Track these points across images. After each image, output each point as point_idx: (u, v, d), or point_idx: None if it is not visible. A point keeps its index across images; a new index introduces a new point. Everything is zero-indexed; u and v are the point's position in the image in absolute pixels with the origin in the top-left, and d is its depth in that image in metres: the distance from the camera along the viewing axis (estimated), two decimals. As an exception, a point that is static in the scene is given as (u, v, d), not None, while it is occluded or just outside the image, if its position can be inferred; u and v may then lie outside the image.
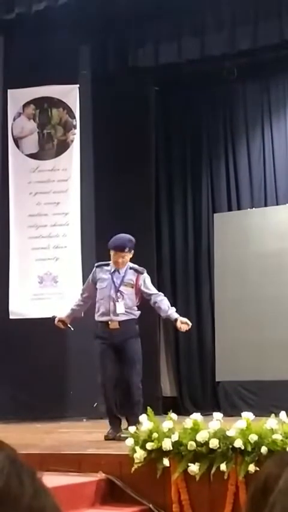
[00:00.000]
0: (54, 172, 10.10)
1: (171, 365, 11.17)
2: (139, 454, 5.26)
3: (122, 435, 6.63)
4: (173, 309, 7.43)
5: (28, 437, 7.36)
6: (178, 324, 7.33)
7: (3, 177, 9.95)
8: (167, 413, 5.68)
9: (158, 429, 5.30)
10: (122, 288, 7.34)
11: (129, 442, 5.35)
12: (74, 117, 10.12)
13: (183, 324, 7.33)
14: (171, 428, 5.30)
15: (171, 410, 5.54)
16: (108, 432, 6.98)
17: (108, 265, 7.48)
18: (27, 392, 9.49)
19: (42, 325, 9.51)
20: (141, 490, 5.29)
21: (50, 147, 10.20)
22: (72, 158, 10.05)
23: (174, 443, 5.20)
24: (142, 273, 7.42)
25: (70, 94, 10.15)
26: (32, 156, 10.19)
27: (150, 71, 10.60)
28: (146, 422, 5.37)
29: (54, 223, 9.99)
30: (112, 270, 7.41)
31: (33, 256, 9.98)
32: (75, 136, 10.09)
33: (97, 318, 7.44)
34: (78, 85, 10.11)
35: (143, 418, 5.50)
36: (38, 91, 10.19)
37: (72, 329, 7.79)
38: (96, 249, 9.92)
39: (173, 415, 5.43)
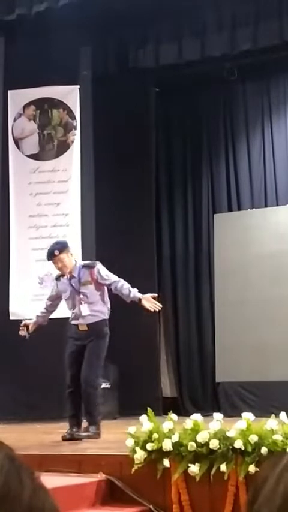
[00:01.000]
0: (54, 173, 10.10)
1: (171, 366, 11.18)
2: (139, 455, 5.26)
3: (81, 434, 6.97)
4: (135, 290, 7.40)
5: (28, 437, 7.36)
6: (145, 304, 7.35)
7: (3, 177, 9.95)
8: (167, 414, 5.68)
9: (158, 430, 5.30)
10: (82, 289, 7.42)
11: (130, 442, 5.35)
12: (75, 118, 10.13)
13: (150, 302, 7.35)
14: (171, 429, 5.30)
15: (171, 411, 5.54)
16: (65, 432, 7.12)
17: (63, 275, 7.57)
18: (27, 393, 9.49)
19: (42, 326, 9.52)
20: (142, 491, 5.29)
21: (50, 147, 10.21)
22: (73, 159, 10.05)
23: (174, 444, 5.20)
24: (94, 266, 7.49)
25: (70, 95, 10.15)
26: (32, 156, 10.20)
27: (151, 71, 10.61)
28: (146, 423, 5.37)
29: (55, 224, 9.99)
30: (68, 277, 7.50)
31: (34, 256, 9.97)
32: (76, 137, 10.09)
33: (70, 321, 7.58)
34: (78, 86, 10.12)
35: (142, 418, 5.50)
36: (39, 92, 10.19)
37: (27, 338, 7.79)
38: (96, 250, 9.92)
39: (173, 416, 5.43)
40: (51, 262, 7.54)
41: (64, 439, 7.00)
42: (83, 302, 7.40)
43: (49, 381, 9.61)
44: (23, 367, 9.54)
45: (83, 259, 9.69)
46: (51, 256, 7.45)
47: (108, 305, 7.56)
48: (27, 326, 7.75)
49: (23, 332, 7.78)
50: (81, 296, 7.40)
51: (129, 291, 7.39)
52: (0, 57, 9.78)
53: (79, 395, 7.36)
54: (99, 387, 7.52)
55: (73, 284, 7.45)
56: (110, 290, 7.50)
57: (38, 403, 9.46)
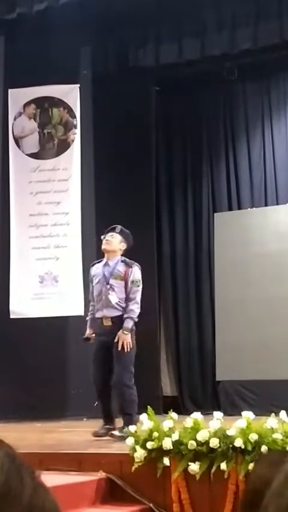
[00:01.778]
0: (54, 171, 10.10)
1: (171, 364, 11.18)
2: (139, 453, 5.27)
3: (115, 434, 6.72)
4: (128, 323, 7.25)
5: (28, 436, 7.37)
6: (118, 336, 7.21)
7: (3, 176, 9.96)
8: (167, 413, 5.69)
9: (158, 428, 5.31)
10: (111, 281, 7.33)
11: (130, 441, 5.36)
12: (75, 117, 10.13)
13: (121, 341, 7.19)
14: (171, 427, 5.31)
15: (171, 410, 5.55)
16: (99, 429, 7.03)
17: (100, 261, 7.55)
18: (27, 392, 9.50)
19: (42, 325, 9.54)
20: (142, 489, 5.30)
21: (50, 146, 10.21)
22: (73, 158, 10.05)
23: (174, 443, 5.21)
24: (131, 266, 7.40)
25: (71, 94, 10.15)
26: (32, 155, 10.20)
27: (151, 71, 10.61)
28: (146, 421, 5.38)
29: (55, 223, 10.00)
30: (104, 263, 7.47)
31: (34, 255, 9.98)
32: (76, 136, 10.10)
33: (95, 314, 7.45)
34: (79, 85, 10.12)
35: (142, 417, 5.51)
36: (39, 91, 10.20)
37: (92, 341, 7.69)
38: (96, 249, 9.92)
39: (174, 415, 5.44)
40: (104, 236, 7.45)
41: (96, 435, 6.90)
42: (110, 292, 7.27)
43: (49, 380, 9.62)
44: (23, 367, 9.54)
45: (83, 258, 9.74)
46: (112, 229, 7.45)
47: (136, 306, 7.35)
48: (89, 338, 7.59)
49: (90, 341, 7.61)
50: (109, 286, 7.30)
51: (125, 319, 7.28)
52: (0, 56, 9.78)
53: (108, 394, 7.27)
54: (134, 386, 7.27)
55: (105, 272, 7.37)
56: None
57: (38, 402, 9.47)
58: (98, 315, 7.40)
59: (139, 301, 7.34)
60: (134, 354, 7.35)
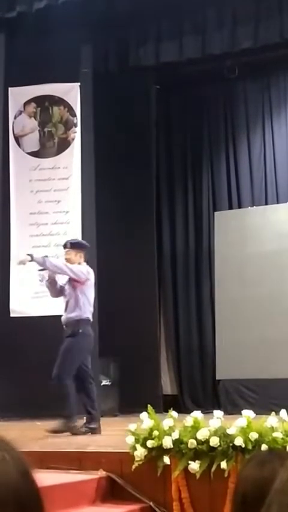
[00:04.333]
0: (55, 170, 10.10)
1: (171, 363, 11.19)
2: (140, 452, 5.27)
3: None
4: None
5: (29, 434, 7.37)
6: None
7: (4, 175, 9.95)
8: (167, 411, 5.68)
9: (158, 427, 5.31)
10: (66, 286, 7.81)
11: (130, 439, 5.36)
12: (75, 115, 10.12)
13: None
14: (171, 426, 5.30)
15: (171, 408, 5.55)
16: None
17: None
18: (27, 390, 9.48)
19: (42, 323, 9.52)
20: (142, 488, 5.30)
21: (50, 145, 10.21)
22: (73, 156, 10.04)
23: (174, 441, 5.21)
24: None
25: (71, 92, 10.14)
26: (32, 154, 10.20)
27: (151, 69, 10.62)
28: (146, 420, 5.37)
29: (55, 221, 10.00)
30: None
31: (34, 254, 9.96)
32: (76, 134, 10.09)
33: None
34: (79, 83, 10.11)
35: (142, 415, 5.50)
36: (39, 89, 10.19)
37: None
38: (97, 247, 9.92)
39: (174, 413, 5.44)
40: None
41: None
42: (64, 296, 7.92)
43: (50, 379, 9.61)
44: (23, 365, 9.54)
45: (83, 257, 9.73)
46: (64, 246, 7.95)
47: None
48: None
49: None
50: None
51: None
52: (0, 54, 9.77)
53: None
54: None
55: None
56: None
57: (38, 401, 9.45)
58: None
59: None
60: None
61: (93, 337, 7.87)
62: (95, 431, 7.41)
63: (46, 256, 7.85)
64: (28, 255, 7.85)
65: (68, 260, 7.78)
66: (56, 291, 7.92)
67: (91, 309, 7.82)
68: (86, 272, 7.78)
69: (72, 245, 7.90)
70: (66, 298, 7.77)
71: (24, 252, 9.89)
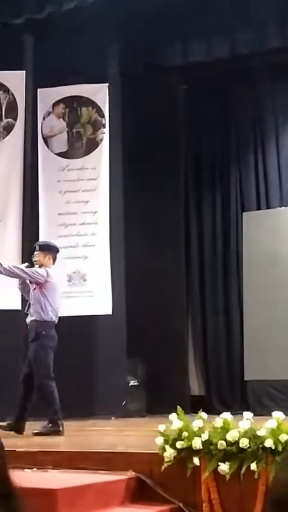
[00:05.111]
0: (83, 171, 10.13)
1: (199, 364, 11.15)
2: (169, 453, 5.25)
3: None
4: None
5: (57, 435, 7.39)
6: None
7: (32, 175, 9.99)
8: (195, 412, 5.66)
9: (188, 428, 5.29)
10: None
11: (159, 440, 5.35)
12: (103, 116, 10.15)
13: None
14: (201, 427, 5.28)
15: (201, 409, 5.53)
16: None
17: None
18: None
19: (70, 324, 9.54)
20: (171, 489, 5.28)
21: (79, 145, 10.24)
22: (102, 157, 10.07)
23: (204, 442, 5.19)
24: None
25: (99, 93, 10.17)
26: (61, 154, 10.23)
27: (179, 69, 10.60)
28: (176, 421, 5.36)
29: (83, 222, 10.02)
30: None
31: (62, 254, 9.98)
32: (105, 135, 10.12)
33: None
34: (107, 84, 10.13)
35: (172, 416, 5.48)
36: (68, 90, 10.23)
37: None
38: (125, 248, 9.93)
39: (203, 414, 5.42)
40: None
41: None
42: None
43: (77, 379, 9.64)
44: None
45: (111, 257, 9.77)
46: (33, 249, 8.03)
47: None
48: None
49: None
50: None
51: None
52: (29, 55, 9.82)
53: None
54: None
55: None
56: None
57: (66, 401, 9.46)
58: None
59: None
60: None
61: (56, 338, 7.87)
62: (57, 433, 7.45)
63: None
64: None
65: (37, 262, 7.84)
66: (26, 293, 7.98)
67: (54, 310, 7.85)
68: (46, 274, 7.78)
69: (41, 247, 7.99)
70: (30, 301, 7.82)
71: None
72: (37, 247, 7.96)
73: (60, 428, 7.51)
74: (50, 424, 7.52)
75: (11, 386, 8.12)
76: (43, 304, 7.75)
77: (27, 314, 7.86)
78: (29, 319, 7.81)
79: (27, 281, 7.82)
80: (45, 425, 7.52)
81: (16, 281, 7.99)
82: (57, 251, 8.06)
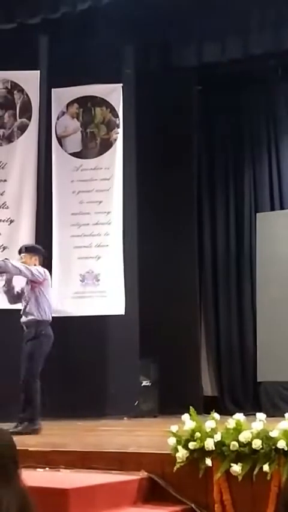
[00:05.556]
0: (97, 171, 10.13)
1: (212, 364, 11.14)
2: (181, 454, 5.24)
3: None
4: None
5: (69, 434, 7.40)
6: None
7: (46, 175, 10.01)
8: (207, 413, 5.65)
9: (200, 429, 5.28)
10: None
11: (172, 441, 5.34)
12: (117, 116, 10.15)
13: None
14: (213, 428, 5.27)
15: (213, 410, 5.51)
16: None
17: None
18: (67, 391, 9.52)
19: (82, 324, 9.57)
20: (183, 490, 5.28)
21: (93, 145, 10.24)
22: (115, 157, 10.08)
23: (216, 443, 5.18)
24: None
25: (113, 93, 10.18)
26: (75, 154, 10.24)
27: (194, 70, 10.59)
28: (188, 421, 5.35)
29: (97, 222, 10.03)
30: None
31: (76, 254, 10.02)
32: (118, 135, 10.12)
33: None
34: (121, 84, 10.14)
35: (184, 417, 5.47)
36: (82, 90, 10.24)
37: None
38: (138, 247, 9.93)
39: (216, 415, 5.41)
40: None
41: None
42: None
43: (90, 379, 9.65)
44: (63, 365, 9.56)
45: (124, 257, 9.76)
46: (19, 252, 8.04)
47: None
48: None
49: None
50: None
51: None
52: (44, 55, 9.83)
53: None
54: None
55: None
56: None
57: (78, 401, 9.49)
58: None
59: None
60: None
61: (52, 338, 7.90)
62: (35, 431, 7.44)
63: (6, 259, 7.84)
64: None
65: (24, 263, 7.85)
66: (14, 297, 8.00)
67: (50, 309, 7.90)
68: (43, 272, 7.86)
69: (27, 249, 8.03)
70: (26, 300, 7.82)
71: (65, 252, 9.99)
72: (23, 250, 8.00)
73: (38, 427, 7.54)
74: (27, 423, 7.53)
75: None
76: (40, 303, 7.79)
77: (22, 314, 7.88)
78: (25, 319, 7.82)
79: (26, 280, 7.86)
80: (26, 425, 7.51)
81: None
82: (43, 254, 8.17)
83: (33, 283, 7.79)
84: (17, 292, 7.97)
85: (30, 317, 7.78)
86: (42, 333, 7.75)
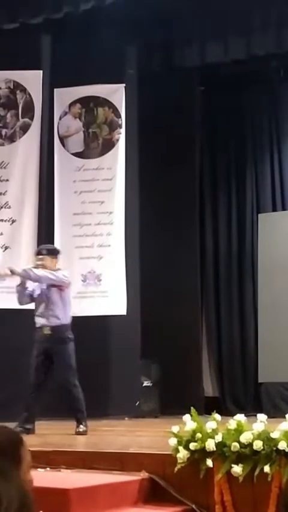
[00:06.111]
0: (99, 171, 10.13)
1: (213, 365, 11.14)
2: (182, 454, 5.24)
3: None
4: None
5: (70, 434, 7.40)
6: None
7: (48, 175, 10.01)
8: (208, 413, 5.65)
9: (201, 429, 5.28)
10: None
11: (173, 441, 5.34)
12: (120, 116, 10.16)
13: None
14: (214, 429, 5.27)
15: (214, 411, 5.51)
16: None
17: None
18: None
19: (84, 324, 9.55)
20: (184, 490, 5.28)
21: (95, 146, 10.24)
22: (117, 157, 10.08)
23: (217, 444, 5.18)
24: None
25: (116, 93, 10.18)
26: (77, 154, 10.25)
27: (196, 70, 10.59)
28: (189, 422, 5.35)
29: (99, 222, 10.03)
30: None
31: (77, 254, 10.02)
32: (121, 135, 10.12)
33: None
34: (124, 84, 10.14)
35: (185, 417, 5.47)
36: (84, 90, 10.24)
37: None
38: (140, 248, 9.93)
39: (217, 416, 5.40)
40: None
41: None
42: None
43: (91, 379, 9.64)
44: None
45: (126, 257, 9.76)
46: (39, 252, 7.92)
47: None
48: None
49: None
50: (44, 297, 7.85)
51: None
52: (46, 55, 9.83)
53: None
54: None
55: None
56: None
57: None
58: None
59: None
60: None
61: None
62: (29, 431, 7.40)
63: (28, 268, 7.71)
64: (8, 269, 7.75)
65: (43, 266, 7.72)
66: (26, 297, 7.86)
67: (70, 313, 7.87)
68: (68, 275, 7.85)
69: (49, 251, 7.91)
70: (45, 302, 7.71)
71: (67, 252, 9.98)
72: (44, 252, 7.86)
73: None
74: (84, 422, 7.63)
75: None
76: (64, 307, 7.73)
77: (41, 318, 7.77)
78: (49, 322, 7.69)
79: (47, 285, 7.71)
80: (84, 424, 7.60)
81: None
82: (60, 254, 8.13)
83: (59, 287, 7.71)
84: (28, 292, 7.84)
85: (56, 321, 7.68)
86: (69, 337, 7.71)
